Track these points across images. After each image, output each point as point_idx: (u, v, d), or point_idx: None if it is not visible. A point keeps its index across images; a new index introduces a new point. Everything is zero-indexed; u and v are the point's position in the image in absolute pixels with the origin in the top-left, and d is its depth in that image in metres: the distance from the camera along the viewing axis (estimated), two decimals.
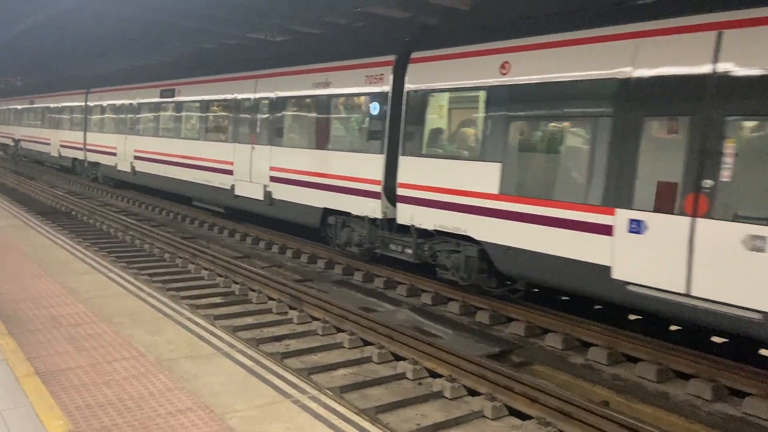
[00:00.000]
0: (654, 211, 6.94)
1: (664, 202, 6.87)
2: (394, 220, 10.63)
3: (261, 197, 13.72)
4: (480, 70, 9.10)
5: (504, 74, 8.72)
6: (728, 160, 6.42)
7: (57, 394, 4.77)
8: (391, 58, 10.73)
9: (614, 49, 7.53)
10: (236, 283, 10.54)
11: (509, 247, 8.62)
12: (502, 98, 8.76)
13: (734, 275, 6.30)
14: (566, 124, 8.23)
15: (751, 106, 6.32)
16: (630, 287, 7.18)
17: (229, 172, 14.93)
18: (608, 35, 7.67)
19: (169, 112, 18.33)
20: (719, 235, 6.41)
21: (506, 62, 8.72)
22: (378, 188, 10.78)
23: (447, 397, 6.44)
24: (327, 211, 12.14)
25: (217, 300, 9.73)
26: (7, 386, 4.85)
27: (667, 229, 6.81)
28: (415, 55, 10.33)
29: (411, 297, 10.33)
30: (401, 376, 6.98)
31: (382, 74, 10.78)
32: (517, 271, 8.82)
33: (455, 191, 9.37)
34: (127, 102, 21.12)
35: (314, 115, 12.45)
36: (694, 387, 6.70)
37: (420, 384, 6.84)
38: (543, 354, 7.87)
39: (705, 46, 6.66)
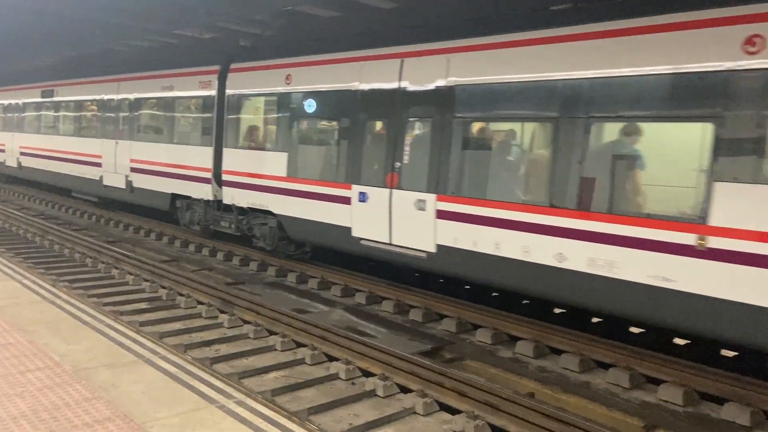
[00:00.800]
0: (375, 186, 9.61)
1: (376, 178, 9.59)
2: (222, 200, 12.95)
3: (124, 186, 15.88)
4: (274, 80, 11.64)
5: (288, 84, 11.35)
6: (407, 149, 9.26)
7: None
8: (217, 67, 13.19)
9: (351, 69, 10.17)
10: (163, 287, 10.22)
11: (294, 217, 11.18)
12: (287, 103, 11.37)
13: (411, 228, 9.11)
14: (325, 123, 11.10)
15: (418, 111, 9.23)
16: (362, 242, 9.91)
17: (99, 165, 16.97)
18: (349, 57, 10.32)
19: (49, 111, 20.15)
20: (403, 201, 9.19)
21: (289, 75, 11.36)
22: (209, 175, 13.17)
23: (379, 396, 6.47)
24: (175, 196, 14.40)
25: (143, 306, 9.39)
26: None
27: (378, 198, 9.55)
28: (233, 66, 12.78)
29: (345, 297, 10.31)
30: (334, 377, 6.96)
31: (210, 81, 13.28)
32: (301, 236, 11.44)
33: (260, 175, 11.83)
34: (13, 102, 22.69)
35: (163, 113, 14.83)
36: (613, 376, 7.00)
37: (353, 384, 6.83)
38: (473, 349, 8.02)
39: (395, 69, 9.40)
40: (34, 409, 4.51)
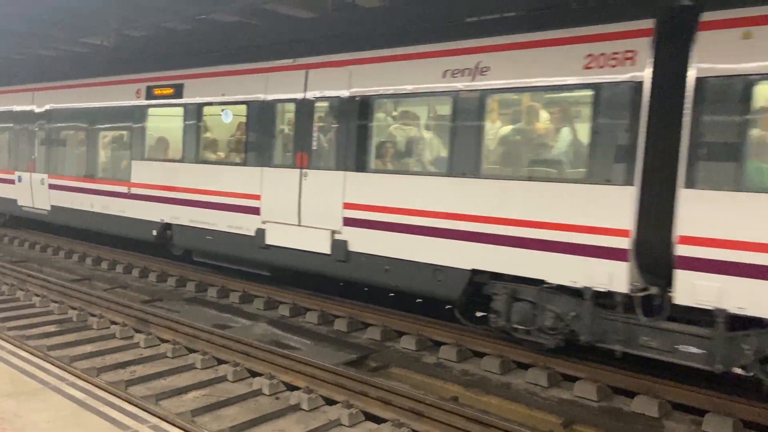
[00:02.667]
0: (24, 171, 15.23)
1: (24, 165, 15.27)
2: None
3: None
4: None
5: None
6: (36, 147, 15.03)
7: None
8: None
9: (10, 97, 16.20)
10: (73, 308, 9.67)
11: None
12: None
13: (41, 196, 14.63)
14: (2, 131, 16.33)
15: (40, 124, 14.97)
16: (23, 208, 15.38)
17: None
18: (7, 90, 16.30)
19: None
20: (36, 179, 14.75)
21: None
22: None
23: (305, 409, 6.37)
24: None
25: (51, 329, 8.85)
26: None
27: (26, 178, 15.12)
28: None
29: (268, 310, 10.13)
30: (257, 393, 6.80)
31: None
32: None
33: None
34: None
35: None
36: (532, 375, 7.23)
37: (277, 399, 6.70)
38: (398, 356, 8.06)
39: (30, 98, 15.33)
40: None
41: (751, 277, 5.77)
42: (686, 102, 6.11)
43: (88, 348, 8.10)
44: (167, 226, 11.64)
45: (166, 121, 11.99)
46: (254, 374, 7.22)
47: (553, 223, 6.90)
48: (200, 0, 11.38)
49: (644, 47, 6.42)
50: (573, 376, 7.15)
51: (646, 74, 6.41)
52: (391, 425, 5.85)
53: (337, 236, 8.95)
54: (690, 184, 6.08)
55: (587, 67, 6.70)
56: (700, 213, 6.03)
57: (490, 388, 7.01)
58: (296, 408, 6.40)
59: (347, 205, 8.80)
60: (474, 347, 8.04)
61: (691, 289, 6.09)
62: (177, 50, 12.52)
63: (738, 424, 6.04)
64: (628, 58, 6.50)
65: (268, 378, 6.93)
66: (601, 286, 6.63)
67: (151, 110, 12.01)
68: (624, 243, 6.46)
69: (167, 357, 7.84)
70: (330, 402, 6.50)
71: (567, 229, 6.82)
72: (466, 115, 7.76)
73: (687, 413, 6.46)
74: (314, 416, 6.26)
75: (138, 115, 12.15)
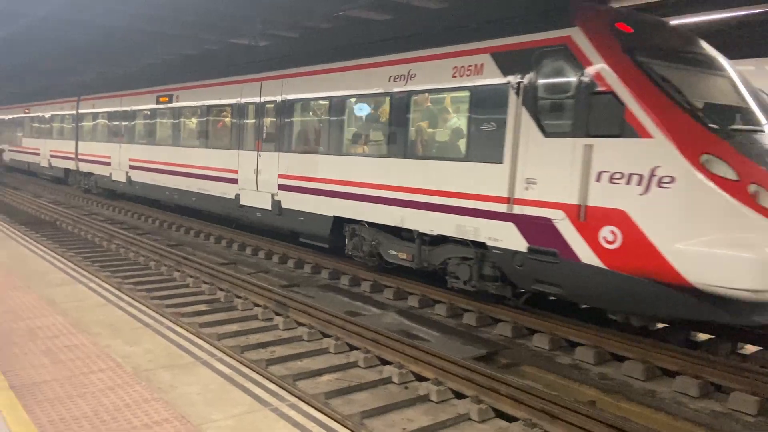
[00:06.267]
0: None
1: None
2: None
3: None
4: None
5: None
6: None
7: (30, 408, 4.65)
8: None
9: None
10: (221, 290, 10.43)
11: None
12: None
13: None
14: None
15: None
16: None
17: None
18: None
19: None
20: None
21: None
22: None
23: (433, 401, 6.37)
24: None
25: (202, 308, 9.62)
26: None
27: None
28: None
29: (398, 300, 10.26)
30: (387, 381, 6.91)
31: None
32: None
33: None
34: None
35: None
36: (680, 384, 6.67)
37: (406, 388, 6.76)
38: (530, 354, 7.82)
39: None
40: (96, 410, 4.64)
41: None
42: None
43: (234, 327, 8.70)
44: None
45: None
46: (384, 362, 7.35)
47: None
48: None
49: None
50: (727, 387, 6.50)
51: None
52: (522, 425, 5.67)
53: None
54: None
55: None
56: None
57: (631, 394, 6.58)
58: (425, 399, 6.42)
59: None
60: (613, 350, 7.58)
61: None
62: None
63: None
64: None
65: (397, 367, 7.02)
66: None
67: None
68: None
69: (303, 340, 8.20)
70: (458, 396, 6.44)
71: None
72: None
73: None
74: (443, 408, 6.24)
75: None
